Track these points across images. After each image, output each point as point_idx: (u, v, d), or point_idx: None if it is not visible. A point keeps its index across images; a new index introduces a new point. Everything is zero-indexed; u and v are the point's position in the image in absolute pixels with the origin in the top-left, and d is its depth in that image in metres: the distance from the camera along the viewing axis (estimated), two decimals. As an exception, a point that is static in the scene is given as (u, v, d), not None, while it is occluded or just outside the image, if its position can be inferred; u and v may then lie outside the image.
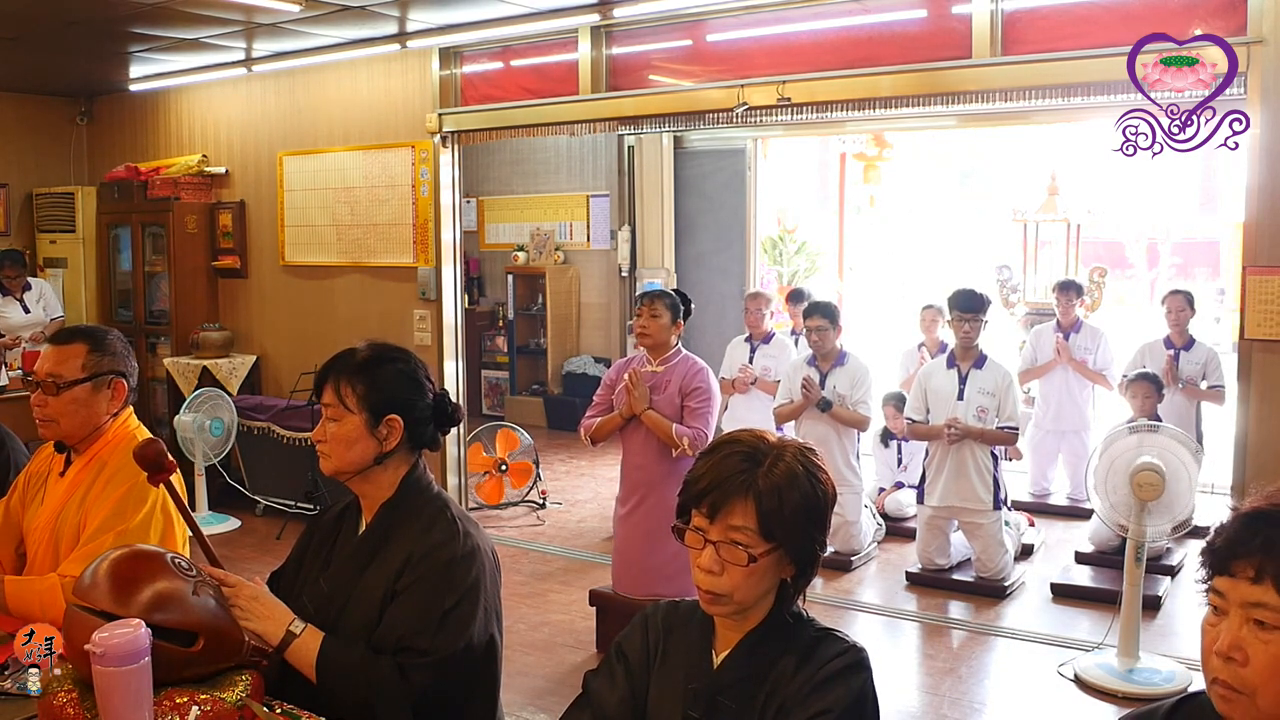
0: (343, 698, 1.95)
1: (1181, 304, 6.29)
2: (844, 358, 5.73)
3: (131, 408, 2.69)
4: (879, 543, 6.04)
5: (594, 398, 4.58)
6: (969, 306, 5.32)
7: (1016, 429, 5.37)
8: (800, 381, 5.67)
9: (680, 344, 4.40)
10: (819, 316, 5.69)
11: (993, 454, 5.36)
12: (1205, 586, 1.31)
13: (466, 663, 2.01)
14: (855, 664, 1.59)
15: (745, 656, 1.62)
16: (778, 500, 1.54)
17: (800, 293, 7.26)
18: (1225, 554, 1.29)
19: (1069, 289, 6.78)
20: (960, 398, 5.33)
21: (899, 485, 6.53)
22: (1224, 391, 6.02)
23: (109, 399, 2.56)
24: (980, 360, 5.36)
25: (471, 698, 2.07)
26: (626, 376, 4.34)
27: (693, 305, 4.47)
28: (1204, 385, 6.17)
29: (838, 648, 1.60)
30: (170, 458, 2.22)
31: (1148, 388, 5.48)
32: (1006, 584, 5.29)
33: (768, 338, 6.56)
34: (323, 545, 2.19)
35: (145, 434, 2.61)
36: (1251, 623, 1.26)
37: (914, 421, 5.50)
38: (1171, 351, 6.21)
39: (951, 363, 5.44)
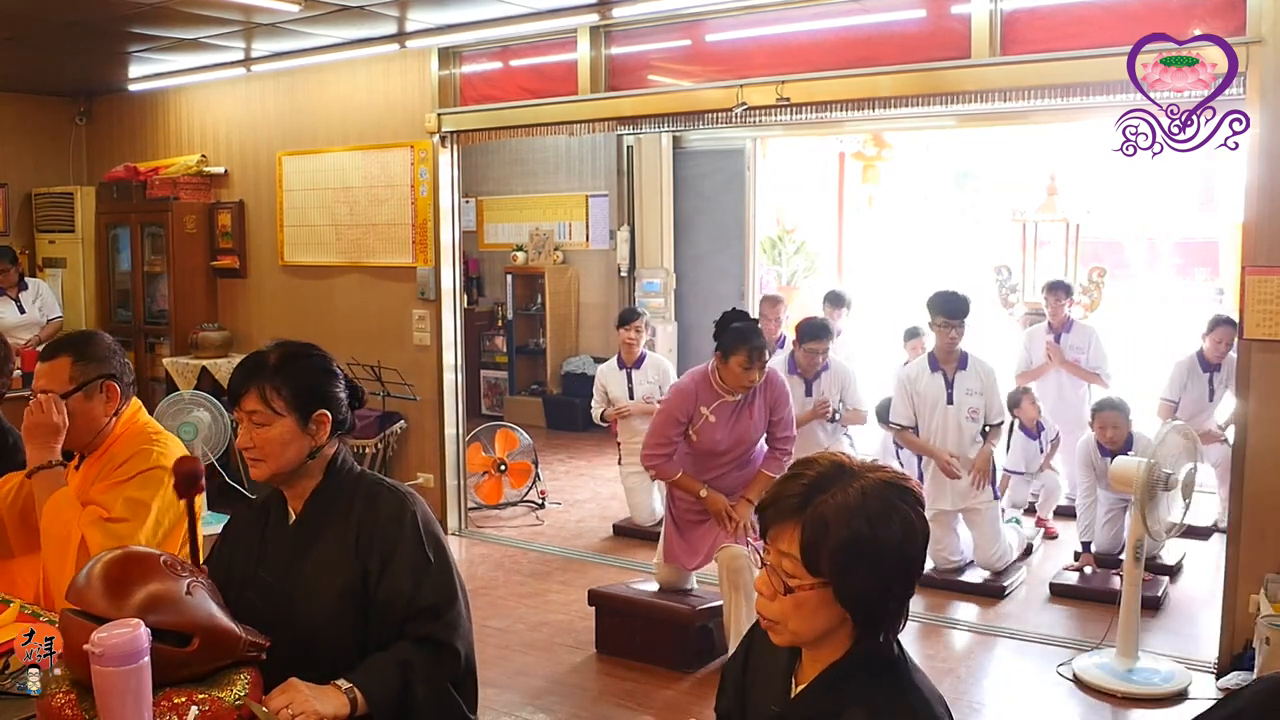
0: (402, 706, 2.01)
1: (1229, 334, 5.82)
2: (826, 364, 5.74)
3: (137, 400, 2.73)
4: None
5: (667, 434, 4.26)
6: (956, 313, 5.28)
7: (1003, 423, 5.48)
8: (809, 404, 5.63)
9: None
10: (826, 340, 5.67)
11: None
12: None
13: (468, 612, 2.14)
14: None
15: (820, 694, 1.52)
16: (822, 532, 1.42)
17: (839, 295, 7.11)
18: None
19: (1058, 289, 6.75)
20: (950, 401, 5.34)
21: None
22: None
23: (104, 402, 2.61)
24: (963, 361, 5.38)
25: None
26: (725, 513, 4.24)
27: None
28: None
29: None
30: (202, 480, 2.23)
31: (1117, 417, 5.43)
32: (1005, 584, 5.30)
33: (781, 341, 6.47)
34: (251, 542, 2.21)
35: (155, 425, 2.72)
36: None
37: (903, 428, 5.48)
38: (1207, 374, 6.13)
39: (935, 366, 5.42)
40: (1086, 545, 5.47)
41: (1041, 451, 6.29)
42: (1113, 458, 5.37)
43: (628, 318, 6.54)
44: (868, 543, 1.42)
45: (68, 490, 2.53)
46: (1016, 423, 6.29)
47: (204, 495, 2.38)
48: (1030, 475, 6.33)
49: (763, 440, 4.41)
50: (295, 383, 2.11)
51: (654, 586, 4.80)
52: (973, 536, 5.41)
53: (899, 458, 6.65)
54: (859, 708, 1.46)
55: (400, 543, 2.09)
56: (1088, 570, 5.37)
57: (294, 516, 2.18)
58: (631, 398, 6.39)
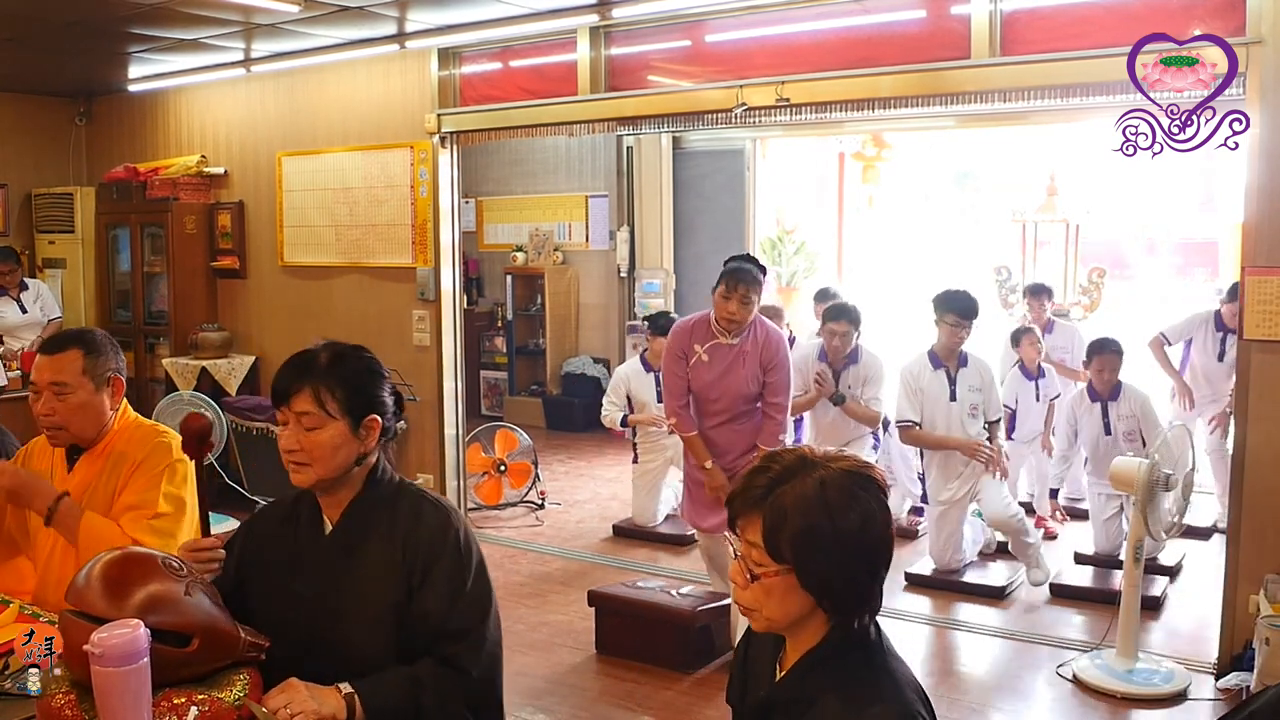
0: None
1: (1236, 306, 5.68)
2: (857, 354, 5.70)
3: (126, 400, 2.79)
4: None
5: (674, 373, 4.38)
6: (968, 313, 5.29)
7: (1000, 419, 5.54)
8: (813, 376, 5.63)
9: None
10: (845, 322, 5.62)
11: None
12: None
13: (497, 633, 2.09)
14: None
15: (798, 679, 1.57)
16: (781, 519, 1.49)
17: (828, 293, 7.17)
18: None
19: (1039, 292, 6.87)
20: (953, 399, 5.35)
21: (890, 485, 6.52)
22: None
23: (110, 395, 2.69)
24: (963, 359, 5.39)
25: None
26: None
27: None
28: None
29: (883, 714, 1.49)
30: (212, 438, 2.26)
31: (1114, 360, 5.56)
32: (1005, 583, 5.30)
33: (791, 342, 6.45)
34: (281, 549, 2.15)
35: (146, 421, 2.79)
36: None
37: (911, 424, 5.45)
38: (1221, 333, 6.09)
39: (937, 363, 5.41)
40: (1055, 492, 5.57)
41: (1037, 399, 6.31)
42: (1103, 404, 5.54)
43: (667, 326, 6.50)
44: (825, 530, 1.48)
45: (91, 513, 2.53)
46: (1017, 362, 6.34)
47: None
48: (1024, 441, 6.31)
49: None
50: (348, 384, 2.04)
51: (655, 584, 4.81)
52: (982, 504, 5.45)
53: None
54: (832, 694, 1.52)
55: (440, 560, 2.03)
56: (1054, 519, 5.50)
57: (330, 526, 2.11)
58: (659, 400, 6.37)
